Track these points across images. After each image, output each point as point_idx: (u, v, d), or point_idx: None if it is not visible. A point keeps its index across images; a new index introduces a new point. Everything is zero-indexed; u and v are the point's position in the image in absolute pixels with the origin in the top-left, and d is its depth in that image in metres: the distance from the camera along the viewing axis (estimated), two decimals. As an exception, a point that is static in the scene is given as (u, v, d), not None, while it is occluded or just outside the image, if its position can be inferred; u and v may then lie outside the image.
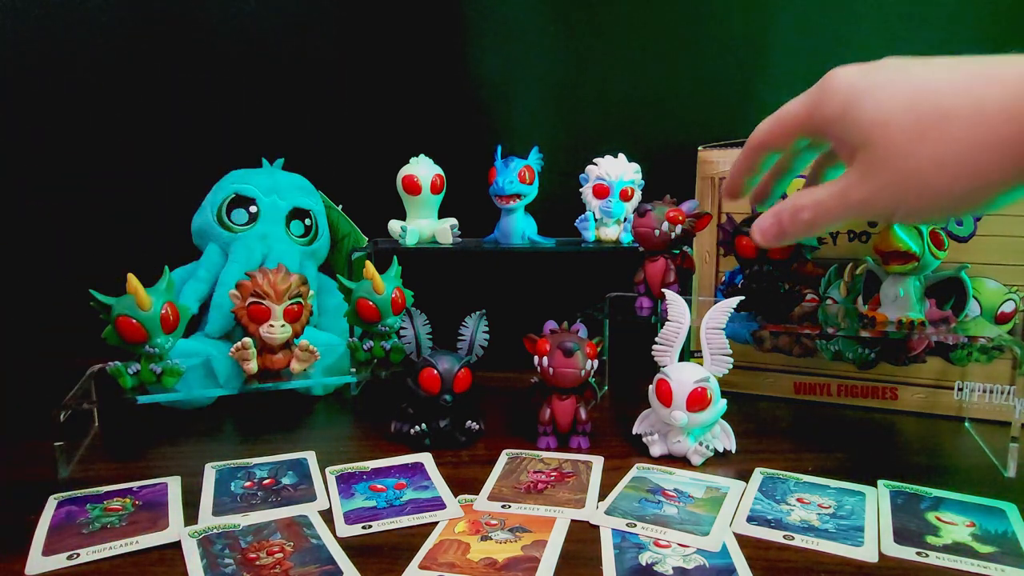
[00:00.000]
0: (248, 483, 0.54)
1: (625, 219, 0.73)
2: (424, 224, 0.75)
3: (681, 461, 0.58)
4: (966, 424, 0.66)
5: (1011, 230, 0.64)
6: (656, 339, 0.59)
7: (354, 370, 0.69)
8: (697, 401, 0.55)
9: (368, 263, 0.66)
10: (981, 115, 0.36)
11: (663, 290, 0.63)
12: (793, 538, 0.46)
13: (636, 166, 0.73)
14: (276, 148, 0.83)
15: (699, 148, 0.74)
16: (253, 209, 0.76)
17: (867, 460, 0.58)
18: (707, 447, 0.57)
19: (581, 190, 0.73)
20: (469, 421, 0.61)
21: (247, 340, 0.62)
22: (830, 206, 0.43)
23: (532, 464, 0.57)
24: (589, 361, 0.59)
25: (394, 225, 0.75)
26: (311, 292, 0.66)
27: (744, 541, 0.46)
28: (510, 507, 0.50)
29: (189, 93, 0.88)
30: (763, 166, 0.51)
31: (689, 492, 0.52)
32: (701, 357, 0.58)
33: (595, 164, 0.72)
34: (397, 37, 0.86)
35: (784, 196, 0.58)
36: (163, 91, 0.88)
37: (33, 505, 0.50)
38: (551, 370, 0.59)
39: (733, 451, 0.59)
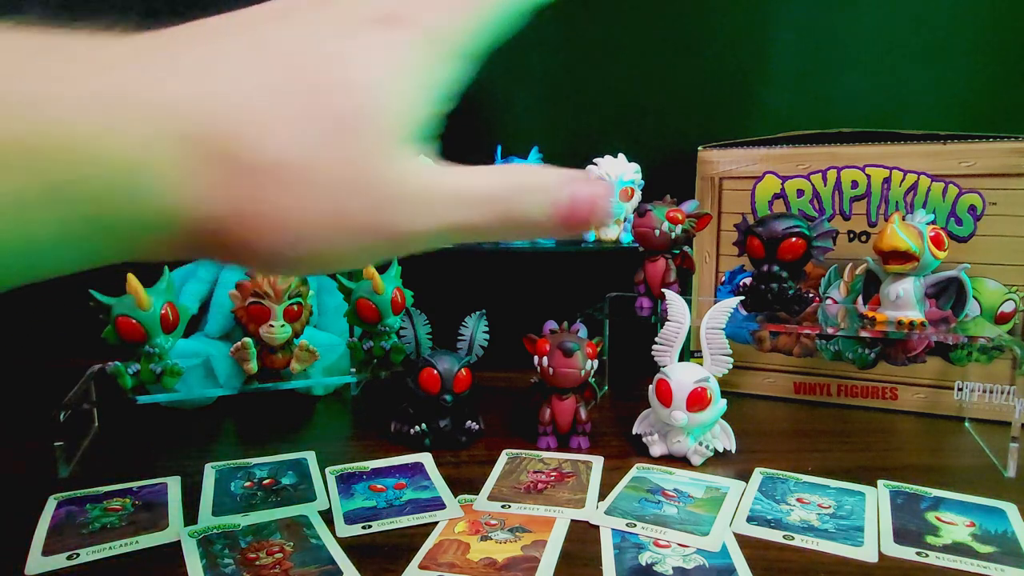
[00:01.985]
0: (248, 483, 0.54)
1: (625, 219, 0.73)
2: (424, 224, 0.75)
3: (681, 461, 0.58)
4: (966, 424, 0.66)
5: (1011, 230, 0.64)
6: (656, 339, 0.59)
7: (354, 370, 0.69)
8: (697, 401, 0.55)
9: (368, 263, 0.66)
10: None
11: (663, 290, 0.63)
12: (793, 538, 0.46)
13: (636, 166, 0.73)
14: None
15: (699, 148, 0.74)
16: (253, 209, 0.76)
17: (867, 460, 0.58)
18: (707, 447, 0.57)
19: (581, 190, 0.73)
20: (469, 421, 0.61)
21: (247, 340, 0.62)
22: None
23: (532, 464, 0.57)
24: (589, 361, 0.59)
25: (394, 225, 0.75)
26: (311, 292, 0.66)
27: (744, 541, 0.46)
28: (510, 507, 0.50)
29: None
30: None
31: (689, 492, 0.52)
32: (701, 357, 0.58)
33: (595, 164, 0.72)
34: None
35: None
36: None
37: (33, 505, 0.50)
38: (551, 370, 0.59)
39: (733, 451, 0.59)
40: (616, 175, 0.71)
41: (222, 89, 0.21)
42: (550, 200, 0.25)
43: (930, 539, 0.46)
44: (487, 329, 0.67)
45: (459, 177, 0.24)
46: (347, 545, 0.45)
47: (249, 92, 0.21)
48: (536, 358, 0.60)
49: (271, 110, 0.21)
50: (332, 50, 0.22)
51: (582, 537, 0.46)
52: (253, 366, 0.63)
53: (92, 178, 0.19)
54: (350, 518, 0.49)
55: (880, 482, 0.53)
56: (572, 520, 0.48)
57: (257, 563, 0.43)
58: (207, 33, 0.23)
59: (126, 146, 0.19)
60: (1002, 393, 0.61)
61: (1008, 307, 0.64)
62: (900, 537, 0.46)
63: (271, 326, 0.62)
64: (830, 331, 0.65)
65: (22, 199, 0.18)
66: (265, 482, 0.54)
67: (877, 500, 0.51)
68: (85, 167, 0.19)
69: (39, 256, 0.21)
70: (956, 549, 0.45)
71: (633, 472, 0.55)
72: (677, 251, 0.66)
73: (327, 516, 0.49)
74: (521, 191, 0.25)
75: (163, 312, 0.58)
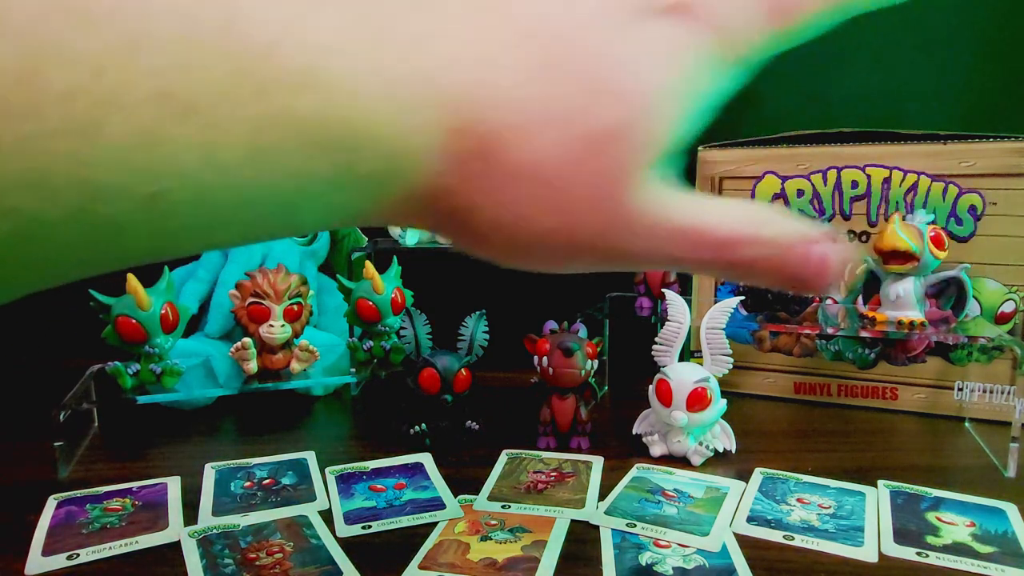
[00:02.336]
0: (248, 483, 0.54)
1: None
2: (424, 224, 0.75)
3: (681, 461, 0.58)
4: (966, 424, 0.66)
5: (1011, 230, 0.64)
6: (656, 339, 0.59)
7: (354, 370, 0.69)
8: (697, 401, 0.55)
9: (368, 263, 0.66)
10: None
11: (663, 290, 0.63)
12: (793, 538, 0.46)
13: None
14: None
15: (699, 148, 0.74)
16: (253, 209, 0.76)
17: (867, 460, 0.58)
18: (707, 447, 0.57)
19: (581, 190, 0.73)
20: (469, 421, 0.61)
21: (247, 340, 0.62)
22: None
23: (532, 464, 0.57)
24: (589, 361, 0.59)
25: (394, 225, 0.75)
26: (311, 292, 0.66)
27: (744, 541, 0.46)
28: (510, 507, 0.50)
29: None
30: None
31: (689, 492, 0.52)
32: (701, 357, 0.58)
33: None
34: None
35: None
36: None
37: (33, 505, 0.50)
38: (551, 370, 0.59)
39: (733, 451, 0.59)
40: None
41: (495, 81, 0.19)
42: (780, 256, 0.23)
43: (930, 539, 0.46)
44: (487, 329, 0.67)
45: (697, 213, 0.22)
46: (347, 545, 0.45)
47: (519, 87, 0.19)
48: (536, 358, 0.60)
49: (538, 110, 0.19)
50: (606, 42, 0.20)
51: (582, 537, 0.46)
52: (253, 366, 0.63)
53: (370, 161, 0.19)
54: (350, 518, 0.49)
55: (880, 482, 0.53)
56: (572, 520, 0.48)
57: (257, 563, 0.43)
58: (469, 4, 0.20)
59: (406, 132, 0.19)
60: (1002, 393, 0.61)
61: (1008, 307, 0.64)
62: (900, 537, 0.46)
63: (271, 326, 0.62)
64: (830, 331, 0.65)
65: (312, 179, 0.18)
66: (265, 482, 0.54)
67: (877, 500, 0.51)
68: (368, 151, 0.18)
69: (292, 221, 0.20)
70: (956, 549, 0.45)
71: (633, 472, 0.55)
72: (677, 251, 0.66)
73: (327, 516, 0.49)
74: (753, 241, 0.22)
75: (163, 312, 0.58)
